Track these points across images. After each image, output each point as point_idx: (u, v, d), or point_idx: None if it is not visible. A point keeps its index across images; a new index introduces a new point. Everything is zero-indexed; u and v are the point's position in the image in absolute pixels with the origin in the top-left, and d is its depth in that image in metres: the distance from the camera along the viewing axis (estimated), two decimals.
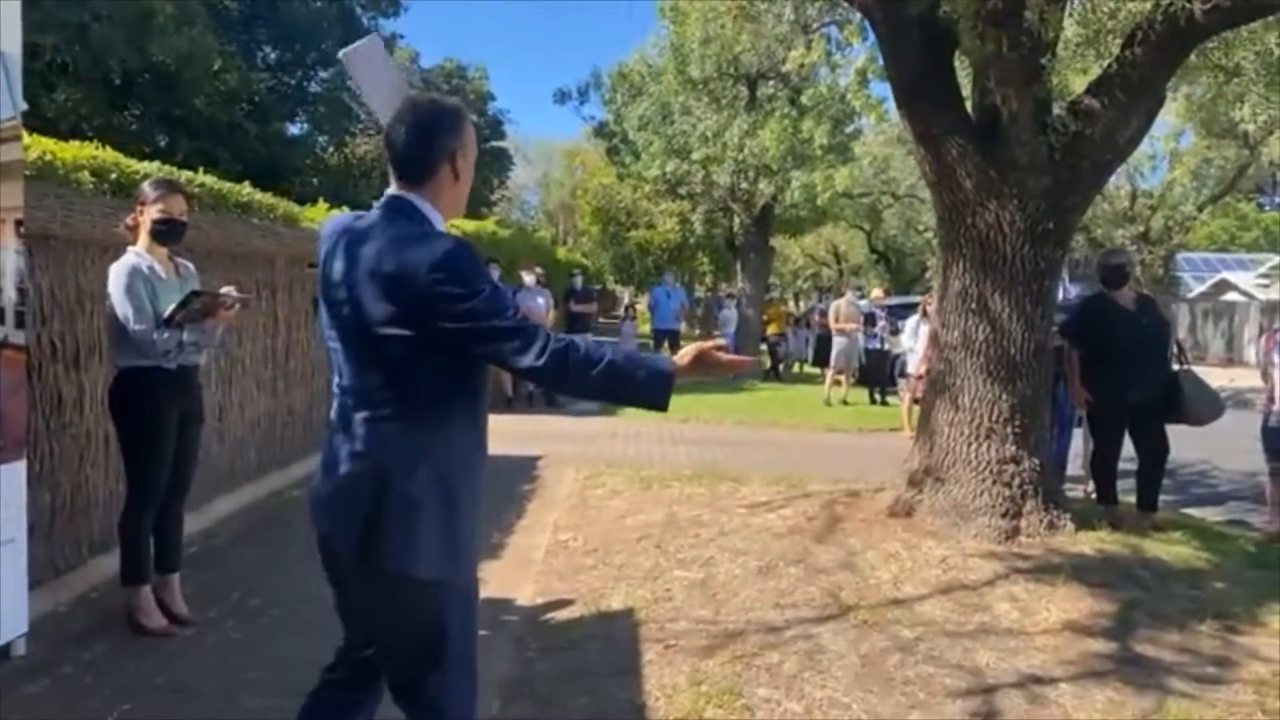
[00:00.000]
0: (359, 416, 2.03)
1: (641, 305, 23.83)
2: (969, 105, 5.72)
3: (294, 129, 23.23)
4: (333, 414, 2.13)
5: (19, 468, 3.59)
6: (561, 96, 22.61)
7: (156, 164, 5.22)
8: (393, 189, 2.11)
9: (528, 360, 1.94)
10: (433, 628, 2.07)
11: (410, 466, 2.00)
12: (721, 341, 2.31)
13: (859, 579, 4.74)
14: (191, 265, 4.15)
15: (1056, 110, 5.45)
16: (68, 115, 15.12)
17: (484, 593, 4.56)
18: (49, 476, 4.13)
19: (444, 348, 1.97)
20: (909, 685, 3.57)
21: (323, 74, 20.33)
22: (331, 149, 24.98)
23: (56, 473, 4.18)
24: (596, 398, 2.11)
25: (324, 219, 2.75)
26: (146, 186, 3.93)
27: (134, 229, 3.88)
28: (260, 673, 3.54)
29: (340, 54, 2.30)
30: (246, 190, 6.22)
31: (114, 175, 4.60)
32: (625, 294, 38.00)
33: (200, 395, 4.18)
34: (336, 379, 2.12)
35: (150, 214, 3.84)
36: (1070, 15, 5.72)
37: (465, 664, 2.14)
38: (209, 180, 5.69)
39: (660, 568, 4.93)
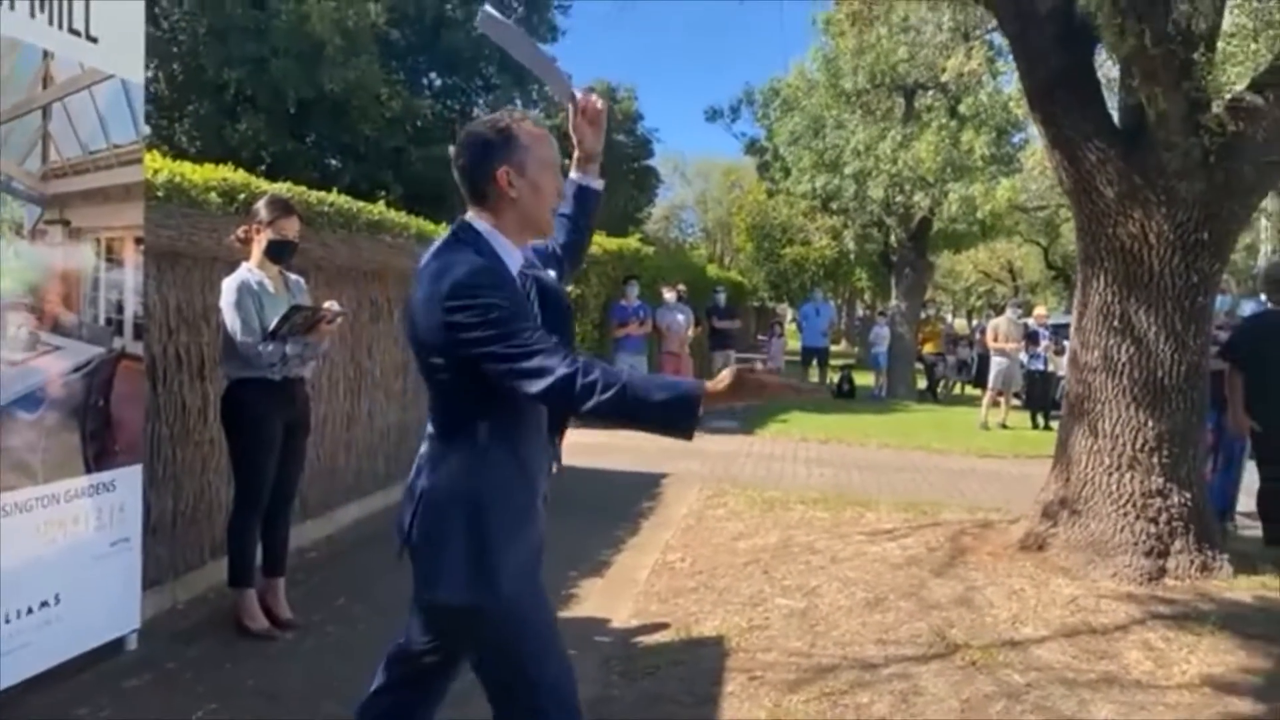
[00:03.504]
0: (426, 433, 2.17)
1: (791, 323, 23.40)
2: (1111, 107, 5.28)
3: None
4: None
5: (135, 472, 3.80)
6: (713, 114, 22.63)
7: (286, 185, 5.48)
8: (466, 213, 2.17)
9: (534, 387, 1.90)
10: (486, 651, 2.10)
11: (440, 487, 2.07)
12: (772, 365, 2.18)
13: (974, 616, 4.41)
14: (302, 280, 4.31)
15: (1215, 109, 4.95)
16: (249, 144, 16.32)
17: (580, 611, 4.59)
18: (172, 481, 4.35)
19: (472, 372, 1.98)
20: None
21: (485, 99, 21.10)
22: None
23: (180, 478, 4.40)
24: (614, 424, 1.98)
25: None
26: (261, 207, 4.10)
27: (245, 243, 4.07)
28: (347, 678, 3.56)
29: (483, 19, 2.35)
30: (378, 210, 6.46)
31: (242, 195, 4.83)
32: (786, 311, 37.43)
33: (307, 406, 4.32)
34: None
35: (266, 234, 4.01)
36: (1231, 7, 5.19)
37: (544, 690, 2.06)
38: (340, 200, 5.93)
39: (763, 594, 4.75)
